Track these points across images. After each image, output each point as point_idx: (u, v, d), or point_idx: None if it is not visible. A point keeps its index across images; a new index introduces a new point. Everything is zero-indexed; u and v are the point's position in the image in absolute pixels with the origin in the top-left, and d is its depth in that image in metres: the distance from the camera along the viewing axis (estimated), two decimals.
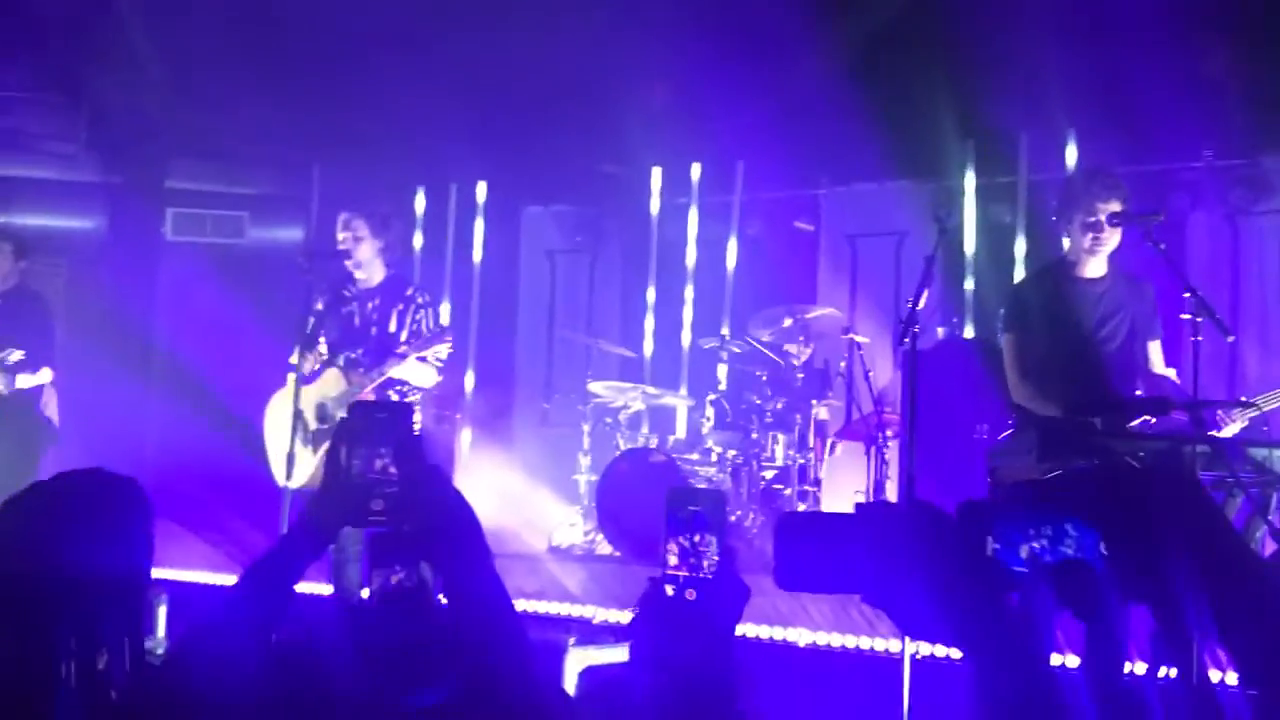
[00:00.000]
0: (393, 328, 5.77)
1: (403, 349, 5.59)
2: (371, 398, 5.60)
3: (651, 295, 9.32)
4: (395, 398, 5.68)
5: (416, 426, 5.75)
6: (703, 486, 7.38)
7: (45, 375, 6.96)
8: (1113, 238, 4.62)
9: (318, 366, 5.75)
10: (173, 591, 6.36)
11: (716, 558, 1.74)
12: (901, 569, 1.52)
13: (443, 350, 5.69)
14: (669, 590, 1.72)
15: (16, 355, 6.79)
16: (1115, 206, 4.59)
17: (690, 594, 1.71)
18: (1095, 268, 4.69)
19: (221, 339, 8.41)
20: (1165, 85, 6.62)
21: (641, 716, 2.81)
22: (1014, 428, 4.72)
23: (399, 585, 1.89)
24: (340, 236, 5.83)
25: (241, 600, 1.80)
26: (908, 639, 4.31)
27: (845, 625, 5.66)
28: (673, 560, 1.75)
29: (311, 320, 5.73)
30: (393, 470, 1.68)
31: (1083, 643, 1.63)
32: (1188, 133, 7.21)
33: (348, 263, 5.82)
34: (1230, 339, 4.71)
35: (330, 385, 5.71)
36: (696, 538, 1.74)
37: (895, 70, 7.37)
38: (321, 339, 5.78)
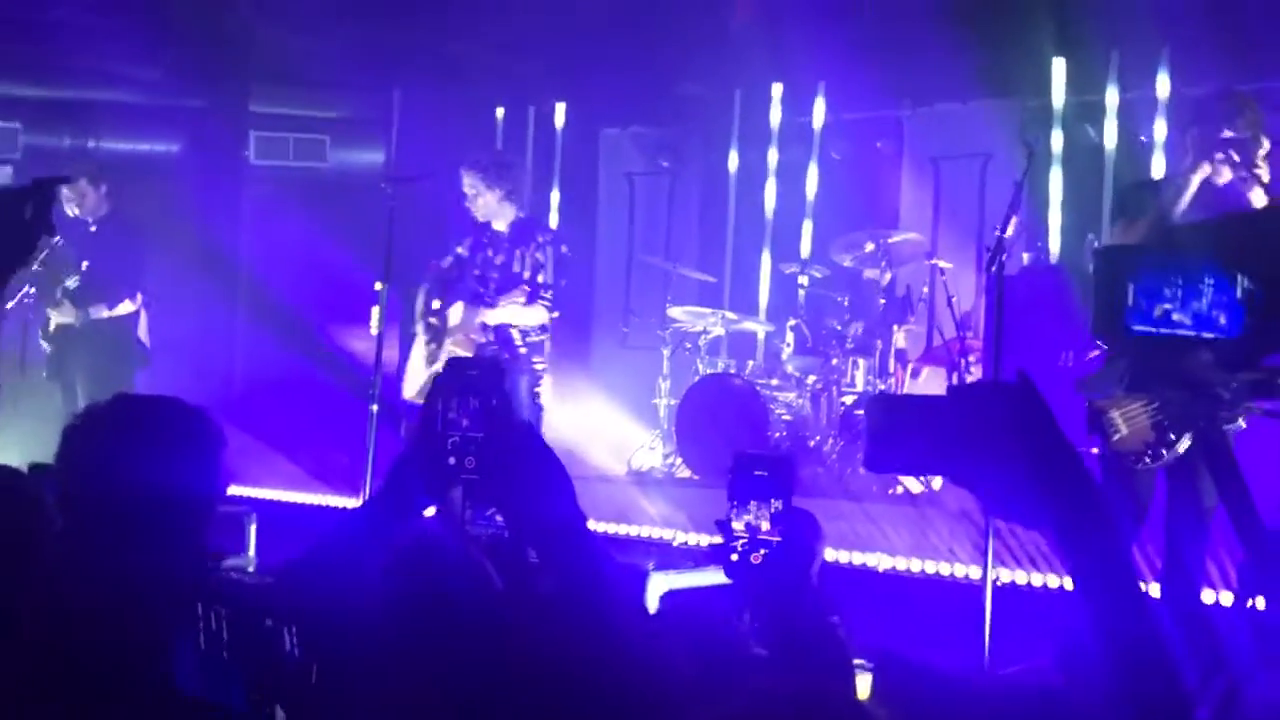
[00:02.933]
0: (516, 268, 6.00)
1: (501, 299, 5.85)
2: (481, 338, 5.86)
3: (732, 218, 9.24)
4: (519, 339, 5.93)
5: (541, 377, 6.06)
6: (782, 415, 7.37)
7: (124, 307, 7.07)
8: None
9: (441, 301, 6.06)
10: (262, 510, 6.53)
11: (781, 524, 1.73)
12: (992, 448, 1.46)
13: (519, 298, 5.89)
14: (734, 556, 1.72)
15: (101, 312, 6.96)
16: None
17: (756, 557, 1.71)
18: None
19: (305, 262, 8.52)
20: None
21: (727, 637, 2.84)
22: (1103, 355, 4.62)
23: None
24: (463, 190, 6.13)
25: (359, 525, 1.85)
26: (989, 560, 4.27)
27: (925, 551, 5.66)
28: (738, 526, 1.75)
29: (449, 259, 6.08)
30: (481, 428, 1.69)
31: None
32: None
33: (474, 212, 6.09)
34: None
35: (452, 316, 6.05)
36: (763, 502, 1.73)
37: None
38: (452, 277, 6.08)
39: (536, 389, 6.12)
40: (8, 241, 2.13)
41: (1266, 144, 4.25)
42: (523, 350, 5.98)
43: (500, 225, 6.13)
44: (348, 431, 6.51)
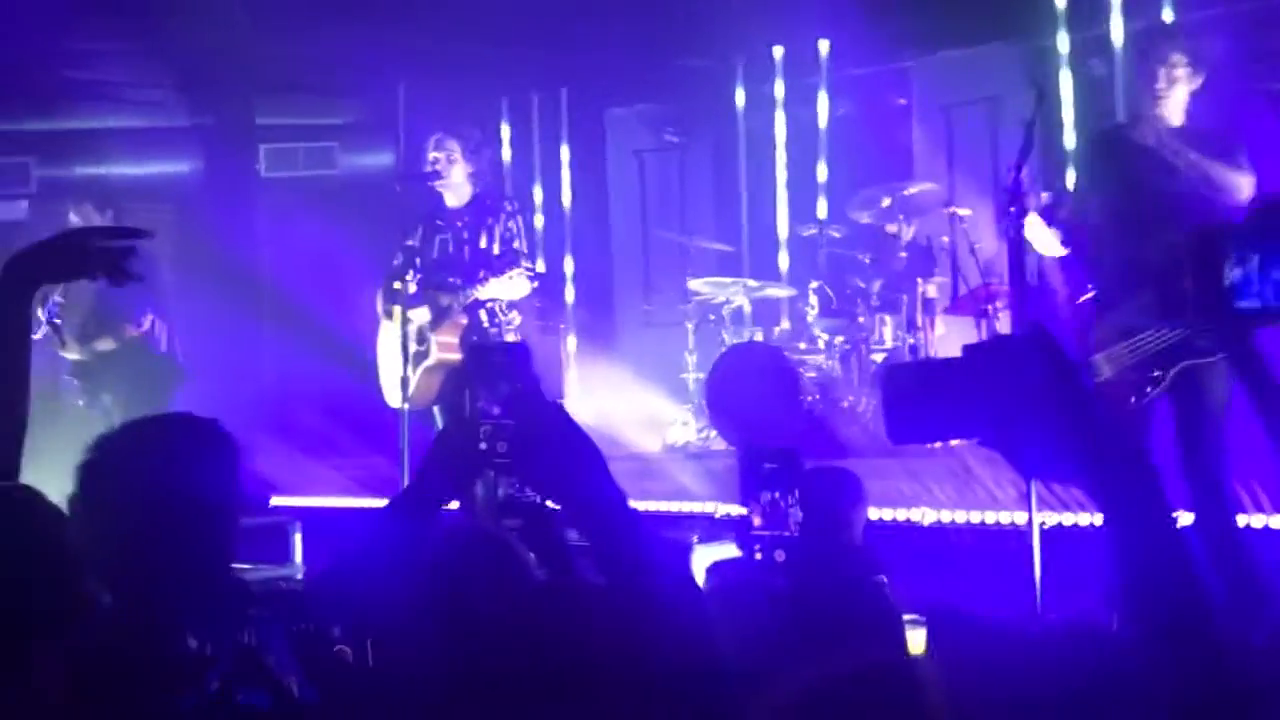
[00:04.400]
0: (484, 244, 5.81)
1: (482, 274, 5.65)
2: (463, 320, 5.69)
3: (744, 187, 9.21)
4: (486, 319, 5.74)
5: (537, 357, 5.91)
6: (813, 377, 7.35)
7: (128, 332, 7.03)
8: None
9: (414, 290, 5.83)
10: (305, 519, 6.57)
11: (800, 515, 1.72)
12: (1018, 405, 1.42)
13: (517, 275, 5.71)
14: (757, 554, 1.71)
15: (107, 344, 6.97)
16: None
17: (779, 555, 1.70)
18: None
19: (323, 269, 8.54)
20: None
21: (775, 607, 2.84)
22: (1095, 300, 4.61)
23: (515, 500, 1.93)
24: (432, 156, 5.84)
25: (387, 525, 1.87)
26: (1033, 505, 4.26)
27: (969, 502, 5.64)
28: (757, 521, 1.73)
29: (399, 256, 5.82)
30: (511, 413, 1.69)
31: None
32: None
33: (438, 184, 5.84)
34: None
35: (426, 312, 5.80)
36: (776, 495, 1.72)
37: None
38: (410, 271, 5.83)
39: None
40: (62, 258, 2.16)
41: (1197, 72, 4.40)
42: (493, 331, 5.81)
43: (455, 203, 5.88)
44: (380, 432, 6.53)
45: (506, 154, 9.88)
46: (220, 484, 1.93)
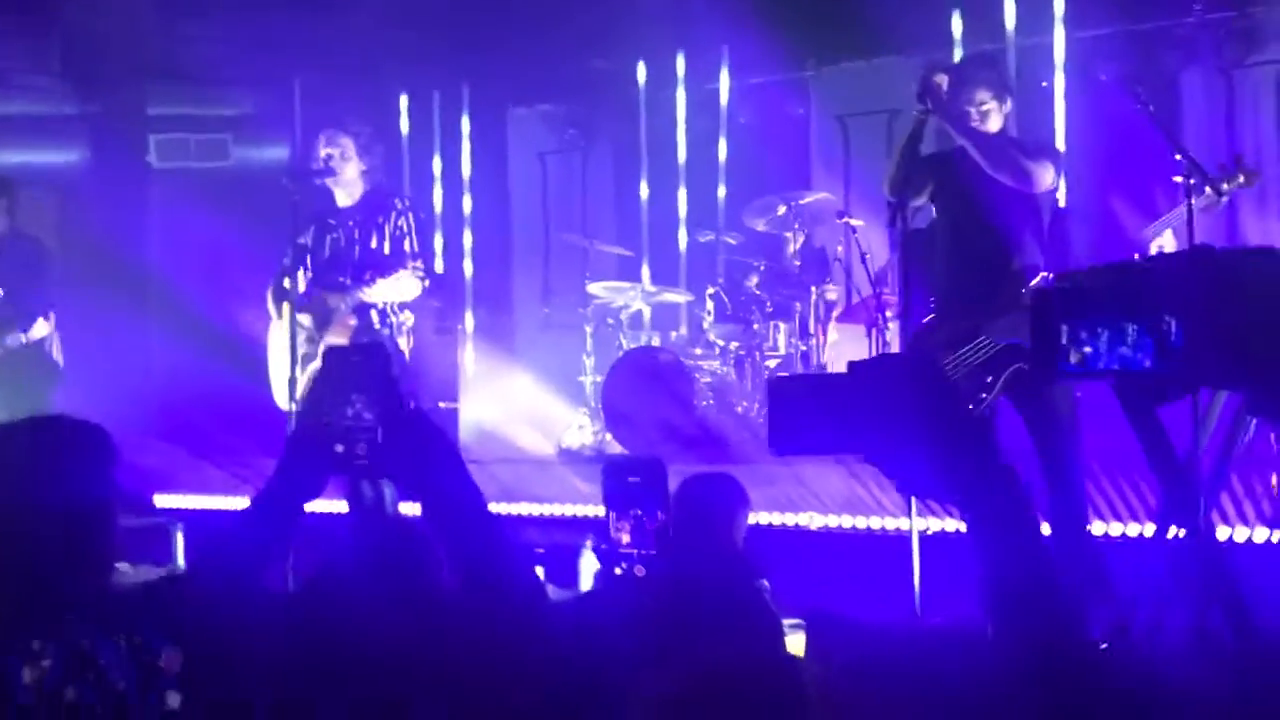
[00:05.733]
0: (374, 243, 5.70)
1: (368, 275, 5.55)
2: (353, 322, 5.60)
3: (645, 191, 9.23)
4: (377, 320, 5.66)
5: (407, 351, 5.83)
6: (708, 383, 7.39)
7: (39, 329, 6.84)
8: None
9: (303, 289, 5.73)
10: (188, 519, 6.43)
11: (667, 530, 1.73)
12: (895, 425, 1.46)
13: (405, 275, 5.62)
14: (618, 570, 1.72)
15: (16, 342, 6.75)
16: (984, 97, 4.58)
17: (639, 570, 1.71)
18: None
19: (214, 264, 8.38)
20: None
21: (659, 610, 2.85)
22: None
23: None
24: (324, 152, 5.74)
25: (249, 526, 1.85)
26: (913, 511, 4.35)
27: (856, 507, 5.72)
28: (625, 539, 1.74)
29: (290, 253, 5.70)
30: (367, 415, 1.69)
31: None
32: None
33: (329, 180, 5.74)
34: (1224, 199, 4.66)
35: (317, 310, 5.71)
36: (639, 512, 1.73)
37: None
38: (301, 270, 5.73)
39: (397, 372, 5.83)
40: None
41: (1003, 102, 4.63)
42: (385, 333, 5.73)
43: (345, 201, 5.77)
44: (268, 432, 6.41)
45: (406, 152, 9.77)
46: (95, 485, 1.90)
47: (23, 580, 1.71)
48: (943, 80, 4.53)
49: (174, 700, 1.44)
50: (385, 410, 1.68)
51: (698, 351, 7.63)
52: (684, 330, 8.36)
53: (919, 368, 1.55)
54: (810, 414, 1.57)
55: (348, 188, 5.77)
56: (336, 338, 5.60)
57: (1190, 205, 4.30)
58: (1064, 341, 1.55)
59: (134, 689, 1.44)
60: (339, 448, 1.68)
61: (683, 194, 9.06)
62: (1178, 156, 4.41)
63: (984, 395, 4.25)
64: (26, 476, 1.82)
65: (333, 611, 1.85)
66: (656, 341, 8.03)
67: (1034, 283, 4.39)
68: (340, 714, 1.52)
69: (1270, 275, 1.56)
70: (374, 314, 5.70)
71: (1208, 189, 4.53)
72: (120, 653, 1.44)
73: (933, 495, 1.61)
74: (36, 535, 1.77)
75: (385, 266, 5.60)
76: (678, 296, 8.31)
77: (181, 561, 6.12)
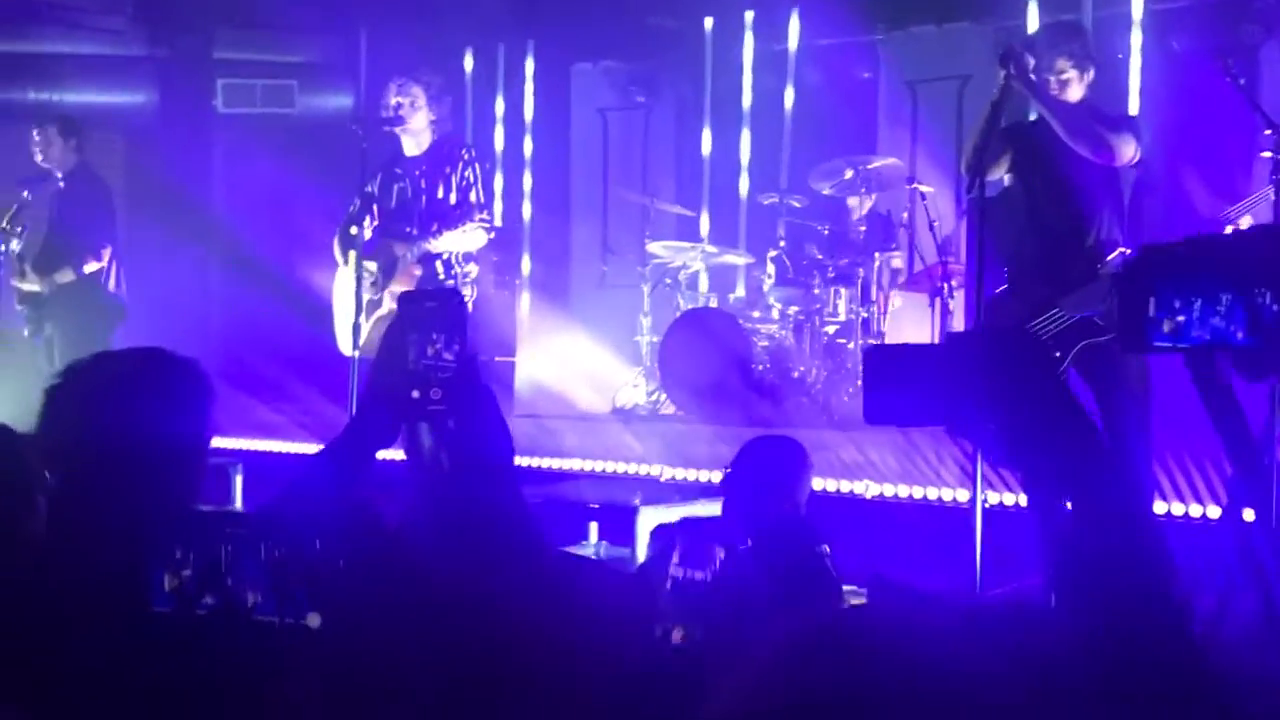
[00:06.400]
0: (441, 194, 5.73)
1: (435, 226, 5.58)
2: (418, 271, 5.64)
3: (708, 151, 9.17)
4: (441, 270, 5.69)
5: (470, 303, 5.85)
6: (765, 346, 7.35)
7: (90, 265, 6.94)
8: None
9: (370, 237, 5.77)
10: (247, 461, 6.51)
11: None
12: (984, 398, 1.46)
13: (471, 228, 5.65)
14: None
15: (67, 276, 6.86)
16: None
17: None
18: None
19: (278, 210, 8.42)
20: None
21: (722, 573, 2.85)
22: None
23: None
24: (394, 101, 5.76)
25: (320, 469, 1.86)
26: (979, 483, 4.32)
27: (912, 477, 5.68)
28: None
29: (357, 201, 5.74)
30: (447, 356, 1.69)
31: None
32: None
33: (397, 129, 5.76)
34: None
35: (382, 259, 5.74)
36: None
37: None
38: (367, 218, 5.77)
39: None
40: None
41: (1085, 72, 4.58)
42: (449, 283, 5.75)
43: (413, 150, 5.80)
44: (330, 378, 6.46)
45: (470, 105, 9.76)
46: (192, 422, 1.92)
47: (150, 496, 1.74)
48: (1025, 49, 4.45)
49: (314, 621, 1.46)
50: (462, 356, 1.68)
51: (756, 314, 7.59)
52: (742, 292, 8.31)
53: (1019, 341, 1.54)
54: (907, 383, 1.58)
55: (416, 137, 5.79)
56: (401, 287, 5.63)
57: (1277, 183, 4.20)
58: (1152, 313, 1.52)
59: (271, 604, 1.47)
60: (415, 393, 1.69)
61: (746, 153, 8.99)
62: (1268, 131, 4.29)
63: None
64: (132, 404, 1.83)
65: (420, 556, 1.86)
66: (715, 303, 7.99)
67: (1111, 257, 4.33)
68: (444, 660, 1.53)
69: None
70: (439, 264, 5.73)
71: None
72: (260, 567, 1.48)
73: (1025, 468, 1.59)
74: (141, 474, 1.79)
75: (453, 219, 5.63)
76: (738, 258, 8.26)
77: (240, 503, 6.20)
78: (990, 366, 1.46)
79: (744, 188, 8.92)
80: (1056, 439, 1.46)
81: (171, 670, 1.53)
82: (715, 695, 1.27)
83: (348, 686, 1.54)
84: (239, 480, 6.28)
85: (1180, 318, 1.52)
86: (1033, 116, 4.79)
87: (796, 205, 7.75)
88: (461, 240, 5.73)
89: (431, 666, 1.55)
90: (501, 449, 1.73)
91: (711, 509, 4.12)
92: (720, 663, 1.35)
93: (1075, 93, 4.54)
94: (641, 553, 4.67)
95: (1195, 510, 4.91)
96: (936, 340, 6.80)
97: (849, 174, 7.45)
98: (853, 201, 7.51)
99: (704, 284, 8.17)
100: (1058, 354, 4.27)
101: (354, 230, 5.65)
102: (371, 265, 5.72)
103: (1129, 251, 4.32)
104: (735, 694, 1.31)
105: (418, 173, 5.81)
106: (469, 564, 1.67)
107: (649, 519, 4.85)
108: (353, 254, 5.62)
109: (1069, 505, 1.48)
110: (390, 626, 1.57)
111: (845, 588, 3.55)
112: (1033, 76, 4.46)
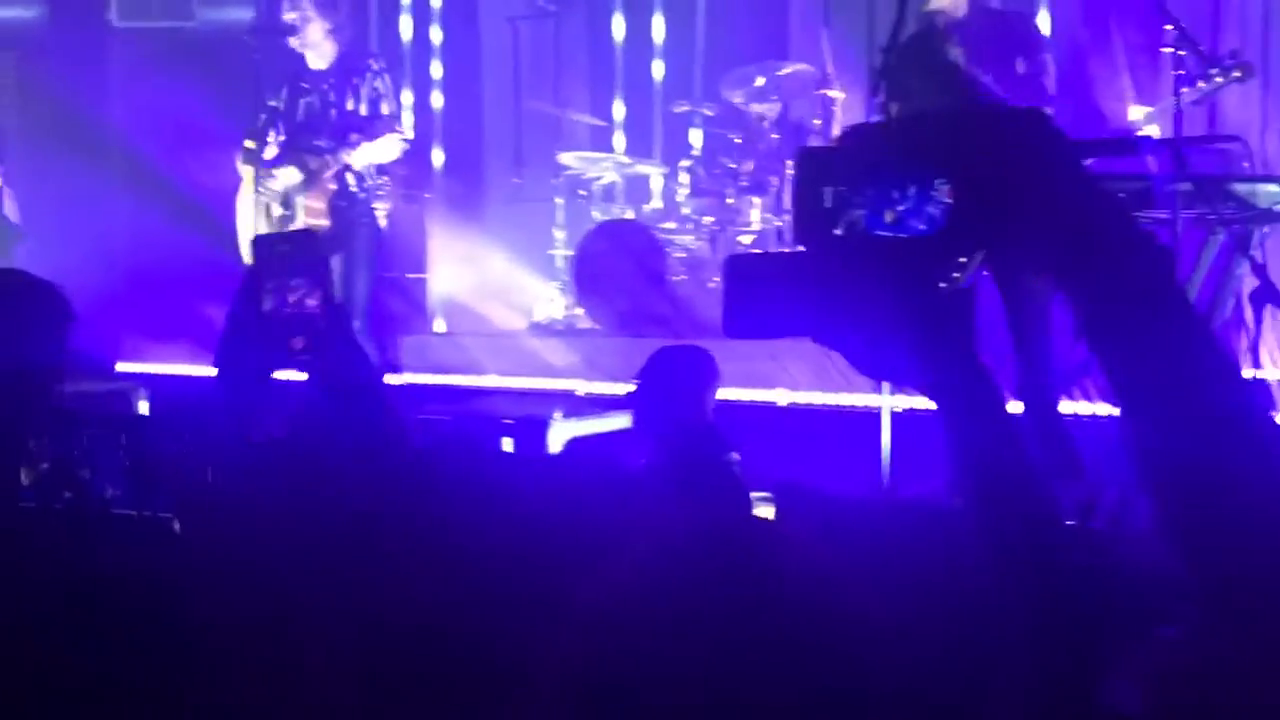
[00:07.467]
0: (350, 105, 5.64)
1: (354, 138, 5.50)
2: (332, 185, 5.54)
3: (620, 61, 9.03)
4: (354, 183, 5.59)
5: (383, 218, 5.74)
6: (681, 257, 7.32)
7: None
8: None
9: (277, 153, 5.65)
10: (153, 385, 6.38)
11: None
12: (848, 305, 1.40)
13: (390, 138, 5.57)
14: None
15: None
16: None
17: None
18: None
19: (178, 126, 8.18)
20: None
21: (633, 480, 2.84)
22: None
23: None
24: (287, 16, 5.64)
25: (217, 394, 1.82)
26: (884, 389, 4.34)
27: (826, 383, 5.72)
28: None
29: (263, 116, 5.62)
30: (310, 302, 1.63)
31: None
32: None
33: (295, 43, 5.64)
34: (1215, 75, 4.56)
35: (293, 174, 5.62)
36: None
37: None
38: (272, 132, 5.65)
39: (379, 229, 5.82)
40: None
41: None
42: (361, 196, 5.68)
43: (319, 63, 5.72)
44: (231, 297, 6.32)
45: (374, 16, 9.50)
46: (46, 343, 1.87)
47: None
48: None
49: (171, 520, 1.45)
50: (326, 298, 1.63)
51: (671, 225, 7.54)
52: (657, 203, 8.26)
53: (872, 245, 1.48)
54: (769, 295, 1.51)
55: (318, 49, 5.67)
56: (314, 201, 5.54)
57: (1178, 79, 4.20)
58: (828, 205, 1.45)
59: (130, 499, 1.45)
60: (278, 340, 1.64)
61: (658, 63, 8.87)
62: (1168, 26, 4.28)
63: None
64: None
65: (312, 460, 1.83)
66: (629, 214, 7.93)
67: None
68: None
69: (1022, 133, 1.48)
70: (351, 177, 5.63)
71: (1199, 82, 4.43)
72: (118, 463, 1.45)
73: (895, 379, 1.55)
74: None
75: (370, 129, 5.55)
76: (652, 169, 8.19)
77: None
78: (850, 272, 1.42)
79: (658, 74, 8.75)
80: (919, 346, 1.44)
81: (36, 561, 1.51)
82: (597, 586, 1.25)
83: (209, 577, 1.52)
84: (144, 405, 6.16)
85: (858, 211, 1.45)
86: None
87: (708, 114, 7.68)
88: (378, 151, 5.66)
89: (291, 553, 1.53)
90: (367, 373, 1.70)
91: (625, 421, 4.11)
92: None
93: None
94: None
95: (1103, 409, 4.98)
96: None
97: (760, 81, 7.39)
98: (762, 108, 7.45)
99: (619, 196, 8.10)
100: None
101: (252, 144, 5.53)
102: (281, 179, 5.61)
103: None
104: (620, 587, 1.29)
105: (325, 86, 5.71)
106: (340, 469, 1.64)
107: (561, 432, 4.84)
108: (255, 170, 5.51)
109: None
110: (249, 524, 1.55)
111: (755, 494, 3.56)
112: None
